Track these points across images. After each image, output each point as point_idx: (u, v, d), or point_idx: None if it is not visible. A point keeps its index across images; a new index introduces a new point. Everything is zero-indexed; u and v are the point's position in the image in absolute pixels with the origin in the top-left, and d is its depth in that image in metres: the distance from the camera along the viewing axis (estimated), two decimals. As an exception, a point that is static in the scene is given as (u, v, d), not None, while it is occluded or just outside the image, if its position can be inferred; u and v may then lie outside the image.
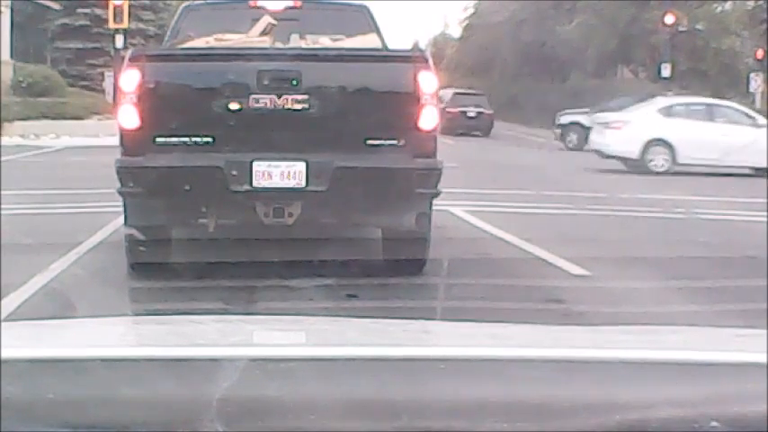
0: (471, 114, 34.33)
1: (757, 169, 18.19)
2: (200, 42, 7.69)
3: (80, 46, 32.67)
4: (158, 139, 6.56)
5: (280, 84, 6.55)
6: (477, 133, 33.31)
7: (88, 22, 32.31)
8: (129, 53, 7.02)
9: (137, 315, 5.22)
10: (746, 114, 20.23)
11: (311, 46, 7.82)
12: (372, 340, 1.61)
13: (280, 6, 8.18)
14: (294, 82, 6.55)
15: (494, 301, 5.91)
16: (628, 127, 19.36)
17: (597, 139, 20.39)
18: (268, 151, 6.58)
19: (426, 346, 1.60)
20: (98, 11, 30.47)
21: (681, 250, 8.69)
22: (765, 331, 1.45)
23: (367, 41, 7.85)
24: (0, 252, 6.55)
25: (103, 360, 1.24)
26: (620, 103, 24.12)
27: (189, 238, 7.27)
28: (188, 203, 6.86)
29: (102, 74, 30.88)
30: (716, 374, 1.26)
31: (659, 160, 19.06)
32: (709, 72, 35.42)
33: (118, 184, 6.69)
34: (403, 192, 6.75)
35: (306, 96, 6.55)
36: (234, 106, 6.55)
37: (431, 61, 6.90)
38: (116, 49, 26.99)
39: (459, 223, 9.81)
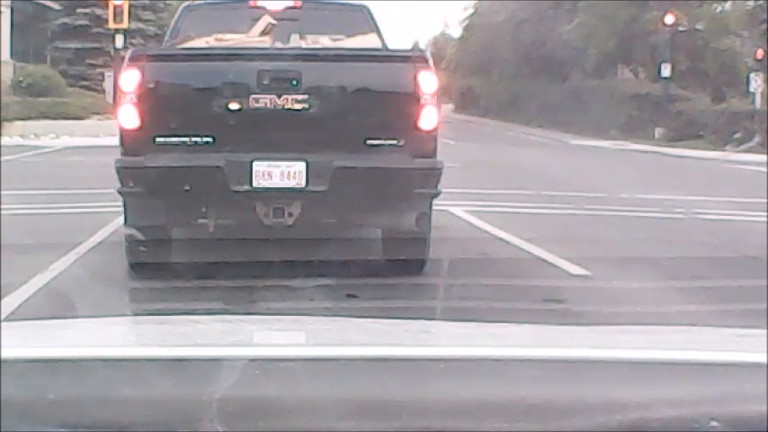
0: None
1: None
2: (200, 42, 7.69)
3: (80, 46, 32.66)
4: (158, 139, 6.56)
5: (280, 84, 6.55)
6: None
7: (88, 22, 32.30)
8: (129, 53, 7.02)
9: (137, 315, 5.22)
10: None
11: (311, 46, 7.82)
12: (372, 340, 1.61)
13: (280, 6, 8.18)
14: (294, 82, 6.55)
15: (494, 301, 5.91)
16: None
17: None
18: (268, 151, 6.58)
19: (426, 346, 1.60)
20: (98, 11, 30.47)
21: (681, 250, 8.69)
22: (765, 331, 1.45)
23: (367, 41, 7.85)
24: (0, 252, 6.55)
25: (103, 360, 1.24)
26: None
27: (189, 238, 7.27)
28: (188, 203, 6.85)
29: (102, 74, 30.90)
30: (716, 374, 1.26)
31: None
32: (709, 72, 35.44)
33: (118, 184, 6.69)
34: (403, 192, 6.75)
35: (306, 96, 6.55)
36: (234, 106, 6.55)
37: (431, 61, 6.90)
38: (116, 49, 27.00)
39: (460, 223, 9.81)
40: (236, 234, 7.12)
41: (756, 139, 26.94)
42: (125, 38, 27.75)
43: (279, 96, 6.51)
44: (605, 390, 1.20)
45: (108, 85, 28.27)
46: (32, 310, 5.59)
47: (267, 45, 7.76)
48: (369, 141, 6.65)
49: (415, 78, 6.60)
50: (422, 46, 55.01)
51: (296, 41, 8.03)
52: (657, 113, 32.94)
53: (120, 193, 6.75)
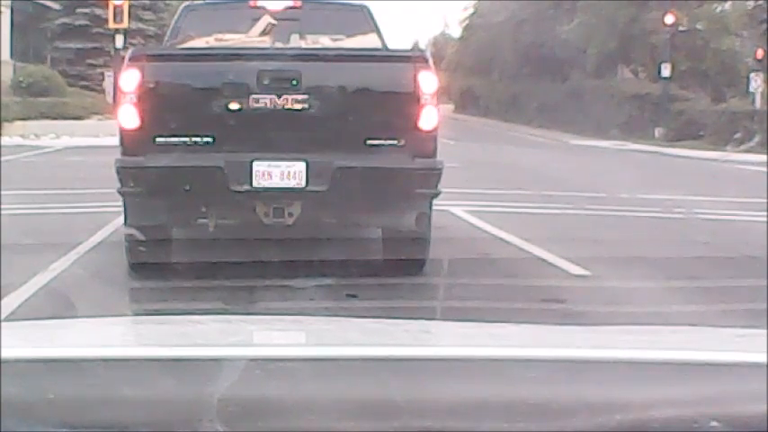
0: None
1: None
2: (200, 42, 7.69)
3: (80, 46, 32.67)
4: (158, 139, 6.57)
5: (280, 84, 6.55)
6: None
7: (88, 22, 32.31)
8: (129, 53, 7.02)
9: (137, 315, 5.22)
10: None
11: (311, 46, 7.82)
12: (372, 340, 1.61)
13: (280, 6, 8.18)
14: (294, 82, 6.55)
15: (494, 301, 5.91)
16: None
17: None
18: (268, 151, 6.58)
19: (426, 346, 1.60)
20: (98, 11, 30.47)
21: (681, 250, 8.69)
22: (765, 331, 1.45)
23: (367, 41, 7.85)
24: (0, 252, 6.55)
25: (103, 360, 1.24)
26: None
27: (189, 238, 7.27)
28: (188, 203, 6.86)
29: (102, 74, 30.90)
30: (716, 374, 1.26)
31: None
32: (709, 72, 35.41)
33: (118, 184, 6.69)
34: (403, 192, 6.75)
35: (306, 96, 6.55)
36: (234, 106, 6.55)
37: (431, 61, 6.90)
38: (116, 49, 27.00)
39: (460, 223, 9.81)
40: (236, 234, 7.12)
41: (756, 139, 26.95)
42: (125, 38, 27.75)
43: (279, 96, 6.52)
44: (605, 390, 1.20)
45: (108, 85, 28.27)
46: (32, 310, 5.59)
47: (267, 45, 7.77)
48: (369, 141, 6.65)
49: (415, 78, 6.60)
50: (422, 46, 55.03)
51: (296, 41, 8.03)
52: (657, 113, 32.94)
53: (120, 193, 6.75)
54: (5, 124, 24.07)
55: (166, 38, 8.52)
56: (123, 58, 7.47)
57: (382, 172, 6.62)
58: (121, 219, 7.05)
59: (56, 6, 33.35)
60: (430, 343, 1.68)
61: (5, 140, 21.60)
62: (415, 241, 6.82)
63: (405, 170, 6.63)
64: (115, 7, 27.41)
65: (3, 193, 9.67)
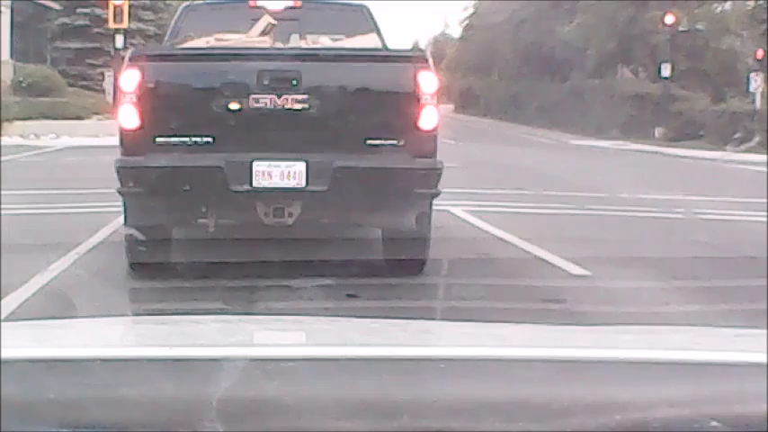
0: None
1: None
2: (200, 42, 7.69)
3: (80, 46, 32.71)
4: (158, 139, 6.57)
5: (280, 84, 6.55)
6: None
7: (88, 22, 32.35)
8: (129, 53, 7.02)
9: (137, 315, 5.22)
10: None
11: (311, 46, 7.82)
12: (372, 340, 1.61)
13: (280, 6, 8.18)
14: (294, 82, 6.55)
15: (494, 301, 5.91)
16: None
17: None
18: (268, 151, 6.58)
19: (426, 346, 1.60)
20: (98, 11, 30.51)
21: (681, 250, 8.69)
22: (765, 331, 1.45)
23: (367, 41, 7.85)
24: (0, 252, 6.55)
25: (103, 360, 1.24)
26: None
27: (189, 238, 7.27)
28: (188, 203, 6.86)
29: (102, 74, 30.92)
30: (716, 374, 1.26)
31: None
32: (709, 72, 35.41)
33: (118, 184, 6.69)
34: (403, 192, 6.75)
35: (306, 96, 6.55)
36: (234, 106, 6.55)
37: (431, 61, 6.90)
38: (116, 49, 27.04)
39: (460, 223, 9.81)
40: (236, 234, 7.12)
41: (756, 139, 26.91)
42: (125, 38, 27.78)
43: (279, 96, 6.52)
44: (605, 390, 1.20)
45: (108, 85, 28.30)
46: (32, 310, 5.59)
47: (267, 45, 7.76)
48: (369, 141, 6.65)
49: (415, 78, 6.60)
50: (422, 46, 55.07)
51: (296, 41, 8.03)
52: (657, 113, 32.94)
53: (120, 193, 6.75)
54: (5, 124, 24.08)
55: (166, 38, 8.52)
56: (123, 58, 7.47)
57: (382, 172, 6.62)
58: (121, 219, 7.05)
59: (56, 6, 33.37)
60: (430, 343, 1.68)
61: (5, 140, 21.60)
62: (415, 241, 6.82)
63: (405, 170, 6.63)
64: (115, 7, 27.42)
65: (3, 193, 9.67)
